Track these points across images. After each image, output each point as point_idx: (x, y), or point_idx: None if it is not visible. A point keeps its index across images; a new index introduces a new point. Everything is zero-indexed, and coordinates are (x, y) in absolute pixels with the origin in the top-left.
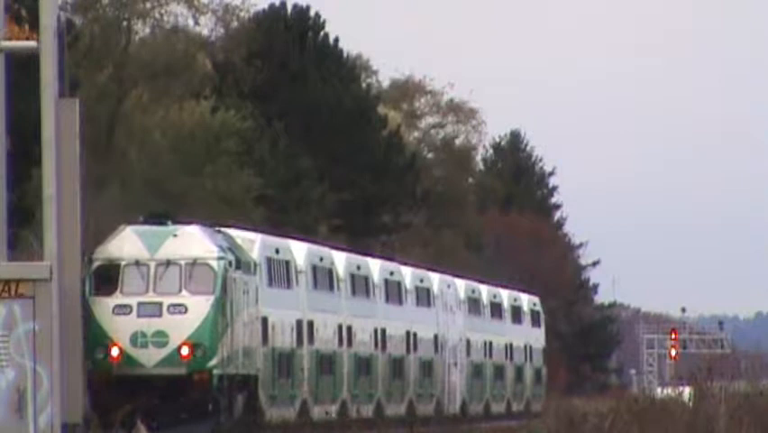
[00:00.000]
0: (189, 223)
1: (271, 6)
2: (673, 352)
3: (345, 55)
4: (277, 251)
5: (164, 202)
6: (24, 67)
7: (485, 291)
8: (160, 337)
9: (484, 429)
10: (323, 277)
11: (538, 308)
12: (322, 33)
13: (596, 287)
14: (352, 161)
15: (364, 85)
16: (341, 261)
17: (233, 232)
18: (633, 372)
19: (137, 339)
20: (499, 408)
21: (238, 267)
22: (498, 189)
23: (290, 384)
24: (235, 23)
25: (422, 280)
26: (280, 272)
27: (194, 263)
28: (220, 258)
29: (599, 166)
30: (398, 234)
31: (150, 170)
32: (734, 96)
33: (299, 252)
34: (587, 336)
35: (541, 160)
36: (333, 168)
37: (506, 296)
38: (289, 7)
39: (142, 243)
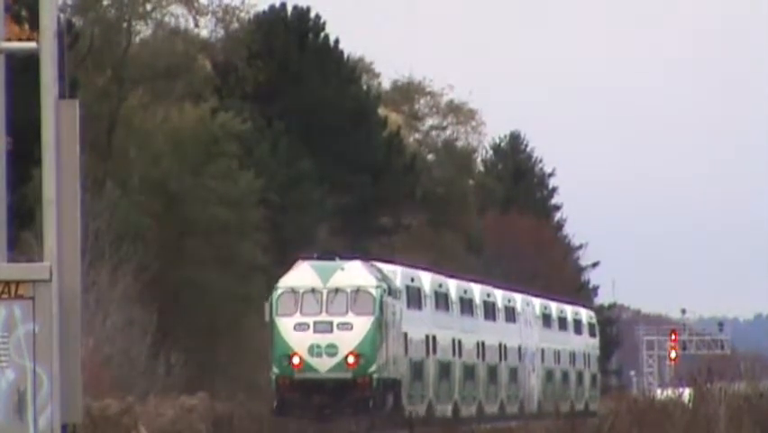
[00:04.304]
0: (353, 258)
1: (271, 8)
2: (673, 353)
3: (346, 57)
4: (412, 279)
5: (164, 203)
6: (25, 68)
7: (554, 307)
8: (331, 349)
9: (483, 429)
10: (441, 300)
11: (594, 320)
12: (322, 35)
13: (596, 288)
14: (351, 162)
15: (365, 87)
16: (453, 286)
17: (379, 264)
18: (633, 373)
19: (313, 350)
20: (564, 408)
21: (390, 294)
22: (497, 191)
23: (421, 387)
24: (235, 25)
25: (509, 301)
26: (415, 297)
27: (357, 291)
28: (377, 286)
29: (599, 167)
30: (398, 236)
31: (151, 170)
32: (734, 96)
33: (426, 279)
34: None
35: (541, 161)
36: (333, 169)
37: (569, 311)
38: (289, 8)
39: (317, 274)
